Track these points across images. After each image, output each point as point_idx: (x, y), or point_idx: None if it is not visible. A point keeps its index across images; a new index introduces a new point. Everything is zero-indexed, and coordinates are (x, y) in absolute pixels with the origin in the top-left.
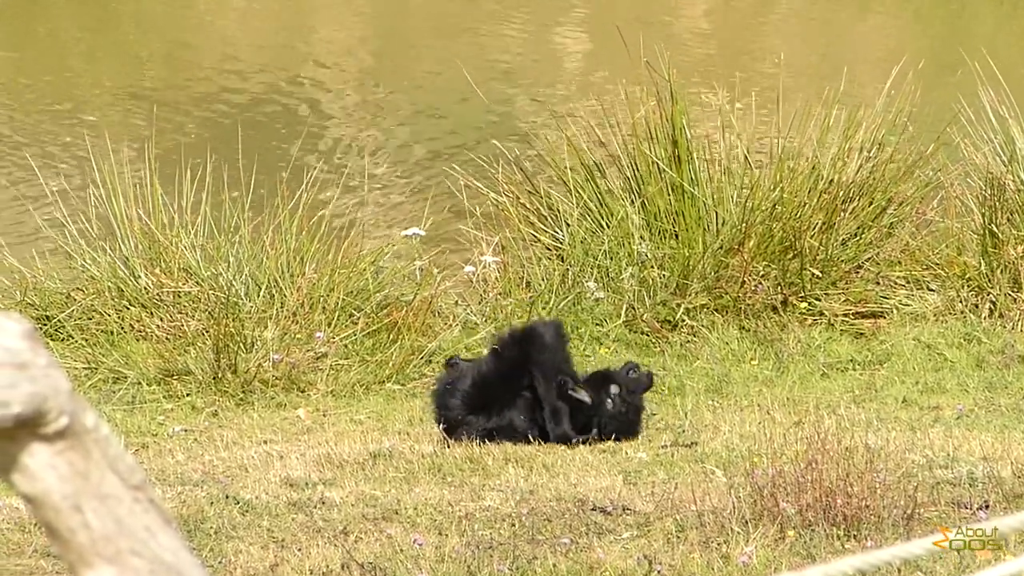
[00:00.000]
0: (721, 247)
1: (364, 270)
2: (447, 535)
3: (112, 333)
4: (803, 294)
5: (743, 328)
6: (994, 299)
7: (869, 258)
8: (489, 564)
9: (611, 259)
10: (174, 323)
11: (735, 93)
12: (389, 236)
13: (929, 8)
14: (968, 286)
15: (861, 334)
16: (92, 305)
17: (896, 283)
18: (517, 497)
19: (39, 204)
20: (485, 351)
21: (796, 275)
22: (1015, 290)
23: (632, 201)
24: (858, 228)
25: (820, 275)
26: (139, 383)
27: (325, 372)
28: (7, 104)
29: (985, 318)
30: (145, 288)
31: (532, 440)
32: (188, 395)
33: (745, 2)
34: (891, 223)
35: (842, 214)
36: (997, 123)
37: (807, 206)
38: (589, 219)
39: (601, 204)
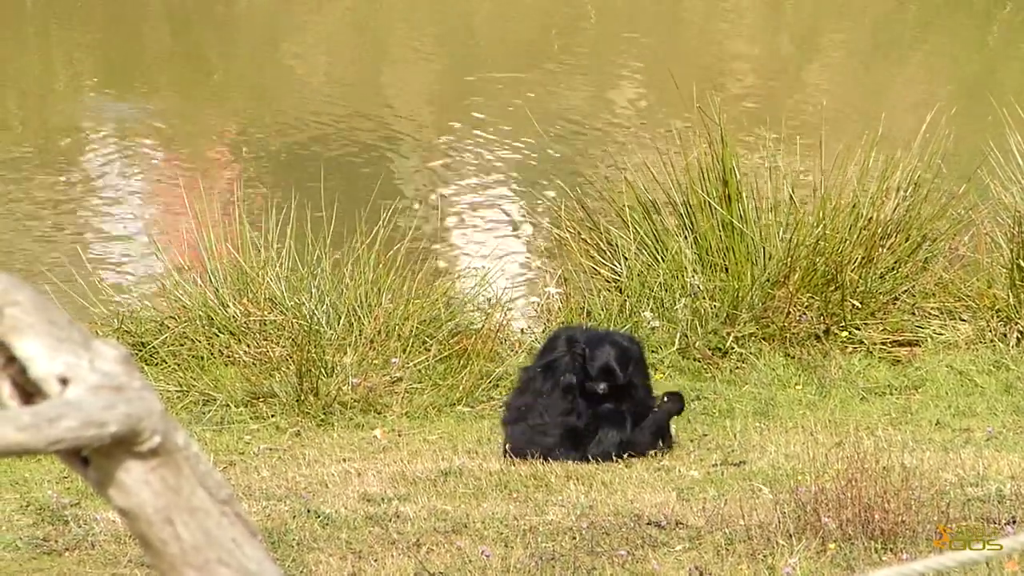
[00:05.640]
0: (768, 280)
1: (436, 300)
2: (512, 547)
3: (202, 358)
4: (844, 324)
5: (788, 355)
6: (1022, 329)
7: (905, 290)
8: (551, 574)
9: (666, 291)
10: (260, 349)
11: (781, 136)
12: (460, 269)
13: (963, 59)
14: (997, 316)
15: (898, 361)
16: (184, 332)
17: (930, 314)
18: (578, 512)
19: (136, 239)
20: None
21: (838, 306)
22: None
23: (685, 237)
24: (895, 262)
25: (860, 306)
26: (227, 405)
27: (400, 395)
28: (108, 145)
29: (1013, 346)
30: (233, 317)
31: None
32: (273, 416)
33: (790, 51)
34: (926, 258)
35: (880, 249)
36: None
37: (848, 242)
38: (645, 253)
39: (656, 240)
